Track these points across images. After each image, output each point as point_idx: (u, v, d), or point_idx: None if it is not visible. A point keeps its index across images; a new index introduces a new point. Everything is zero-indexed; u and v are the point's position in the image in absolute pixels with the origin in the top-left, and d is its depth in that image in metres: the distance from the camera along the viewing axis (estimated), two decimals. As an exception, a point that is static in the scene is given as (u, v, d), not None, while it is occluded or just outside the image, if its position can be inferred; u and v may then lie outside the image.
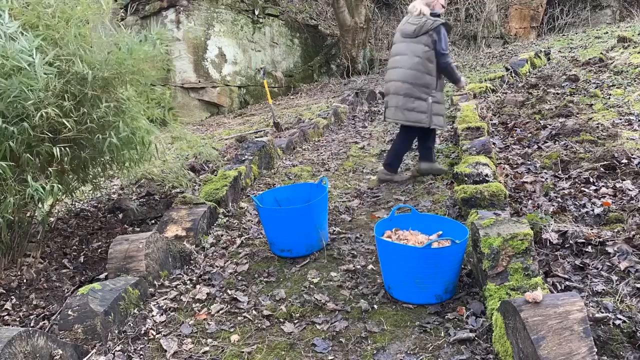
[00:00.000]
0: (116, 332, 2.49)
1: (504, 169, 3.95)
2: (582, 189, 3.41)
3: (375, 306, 2.63)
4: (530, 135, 4.75)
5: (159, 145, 3.74)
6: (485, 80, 7.42)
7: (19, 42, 2.69)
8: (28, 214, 3.07)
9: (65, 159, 2.95)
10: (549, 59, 8.52)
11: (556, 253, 2.67)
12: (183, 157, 5.84)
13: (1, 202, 2.80)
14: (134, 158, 3.50)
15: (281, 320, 2.59)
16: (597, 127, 4.47)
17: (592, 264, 2.54)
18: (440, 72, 4.11)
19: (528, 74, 7.60)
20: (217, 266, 3.20)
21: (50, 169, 2.94)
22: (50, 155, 2.92)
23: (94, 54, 3.04)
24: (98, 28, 3.21)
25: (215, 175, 4.44)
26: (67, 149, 2.95)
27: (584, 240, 2.68)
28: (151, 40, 3.27)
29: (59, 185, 2.85)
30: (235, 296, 2.83)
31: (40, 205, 2.79)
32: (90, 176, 3.57)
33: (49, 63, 2.78)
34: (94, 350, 2.35)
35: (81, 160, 3.26)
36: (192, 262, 3.24)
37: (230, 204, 4.11)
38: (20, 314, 2.84)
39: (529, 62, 7.92)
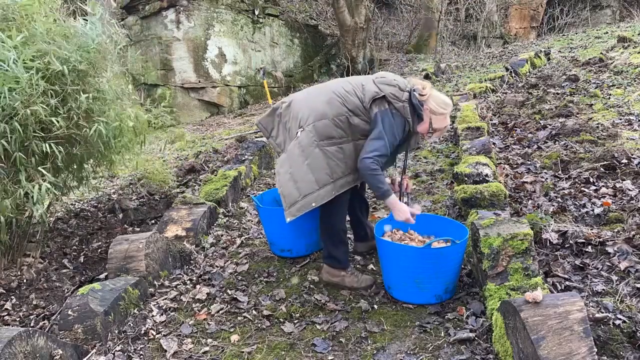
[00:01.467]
0: (116, 332, 2.49)
1: (504, 169, 3.95)
2: (582, 189, 3.41)
3: (375, 306, 2.63)
4: (530, 135, 4.75)
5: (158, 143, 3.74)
6: (485, 80, 7.42)
7: None
8: (26, 214, 3.06)
9: (59, 156, 2.95)
10: (549, 59, 8.52)
11: (556, 253, 2.67)
12: (183, 157, 5.84)
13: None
14: (127, 146, 3.49)
15: (281, 320, 2.59)
16: (597, 127, 4.47)
17: (592, 264, 2.54)
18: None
19: (528, 74, 7.60)
20: (217, 266, 3.20)
21: (42, 168, 2.94)
22: (43, 153, 2.92)
23: (68, 47, 3.04)
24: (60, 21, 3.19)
25: (215, 175, 4.44)
26: (59, 145, 2.95)
27: (584, 240, 2.68)
28: (96, 24, 3.25)
29: (49, 185, 2.83)
30: (235, 296, 2.83)
31: (37, 205, 2.79)
32: (85, 173, 3.57)
33: (28, 62, 2.78)
34: (94, 350, 2.35)
35: (74, 156, 3.25)
36: (192, 262, 3.24)
37: (230, 204, 4.11)
38: (20, 314, 2.84)
39: (529, 62, 7.92)
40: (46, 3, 3.11)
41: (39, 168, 2.92)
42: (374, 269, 3.01)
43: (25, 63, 2.78)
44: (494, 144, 4.60)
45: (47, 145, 2.87)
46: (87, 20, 3.22)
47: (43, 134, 2.90)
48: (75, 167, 3.43)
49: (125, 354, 2.37)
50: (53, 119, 2.86)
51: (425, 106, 2.61)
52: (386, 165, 2.81)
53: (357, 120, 2.61)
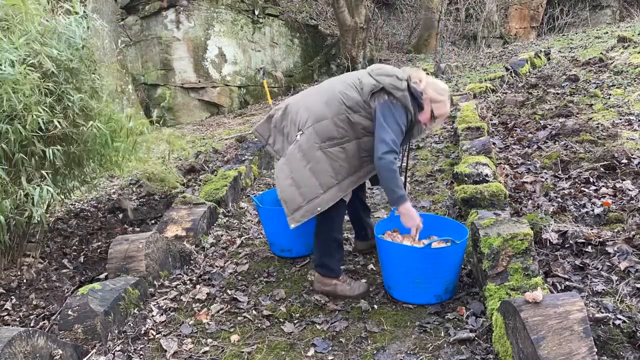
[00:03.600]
0: (116, 332, 2.49)
1: (504, 169, 3.95)
2: (582, 189, 3.41)
3: (375, 306, 2.63)
4: (530, 135, 4.75)
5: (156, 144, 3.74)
6: (485, 80, 7.42)
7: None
8: (26, 214, 3.06)
9: (58, 156, 2.95)
10: (549, 59, 8.52)
11: (556, 253, 2.67)
12: (183, 158, 5.85)
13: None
14: (127, 145, 3.49)
15: (281, 320, 2.59)
16: (597, 127, 4.47)
17: (592, 264, 2.54)
18: None
19: (528, 74, 7.60)
20: (217, 266, 3.20)
21: (42, 170, 2.94)
22: (43, 154, 2.92)
23: (58, 46, 3.04)
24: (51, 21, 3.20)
25: (215, 175, 4.44)
26: (57, 145, 2.95)
27: (584, 240, 2.68)
28: (82, 22, 3.24)
29: (49, 188, 2.83)
30: (235, 296, 2.83)
31: (37, 207, 2.79)
32: (85, 173, 3.57)
33: (20, 62, 2.79)
34: (94, 350, 2.35)
35: (73, 156, 3.25)
36: (192, 262, 3.24)
37: (230, 204, 4.11)
38: (20, 314, 2.84)
39: (529, 62, 7.91)
40: (37, 2, 3.11)
41: (42, 171, 2.92)
42: (374, 269, 3.01)
43: (22, 64, 2.78)
44: (494, 144, 4.60)
45: (48, 149, 2.87)
46: (71, 18, 3.21)
47: (41, 133, 2.90)
48: (74, 167, 3.43)
49: (125, 354, 2.37)
50: (55, 120, 2.86)
51: (425, 95, 2.55)
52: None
53: (357, 117, 2.55)
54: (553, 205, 3.22)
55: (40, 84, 2.84)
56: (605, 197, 3.25)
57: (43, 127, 2.84)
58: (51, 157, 2.89)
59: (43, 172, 2.89)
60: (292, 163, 2.58)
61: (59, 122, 2.88)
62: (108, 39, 3.35)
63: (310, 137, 2.54)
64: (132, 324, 2.57)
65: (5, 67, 2.67)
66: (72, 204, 4.53)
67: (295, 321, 2.58)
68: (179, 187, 4.61)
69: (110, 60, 3.34)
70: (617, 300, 2.19)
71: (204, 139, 7.41)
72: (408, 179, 4.36)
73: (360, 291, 2.70)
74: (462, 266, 2.75)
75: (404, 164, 2.85)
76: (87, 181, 3.62)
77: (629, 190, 3.27)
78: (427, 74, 2.59)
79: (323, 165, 2.52)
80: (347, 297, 2.69)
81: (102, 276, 3.09)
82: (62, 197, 3.57)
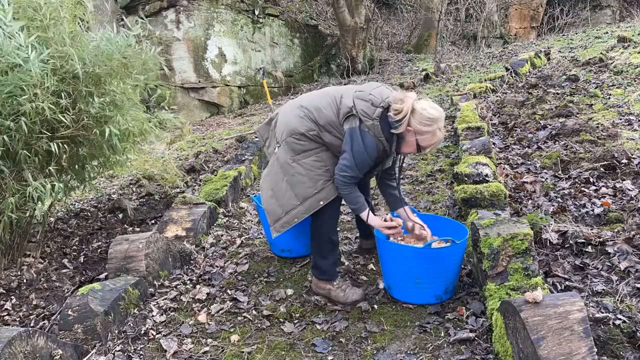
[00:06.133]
0: (116, 332, 2.49)
1: (504, 169, 3.95)
2: (582, 189, 3.41)
3: (375, 306, 2.63)
4: (530, 135, 4.75)
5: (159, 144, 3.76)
6: (485, 80, 7.42)
7: (16, 39, 2.71)
8: (27, 214, 3.07)
9: (64, 156, 2.96)
10: (548, 59, 8.52)
11: (556, 253, 2.67)
12: (183, 157, 5.85)
13: (1, 202, 2.81)
14: (132, 148, 3.54)
15: (281, 320, 2.59)
16: (597, 127, 4.47)
17: (592, 264, 2.54)
18: None
19: (528, 74, 7.60)
20: (217, 266, 3.20)
21: (49, 168, 2.96)
22: (48, 153, 2.93)
23: (86, 51, 3.07)
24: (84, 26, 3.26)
25: (215, 175, 4.44)
26: (65, 145, 2.96)
27: (584, 240, 2.68)
28: (130, 37, 3.30)
29: (59, 184, 2.86)
30: (235, 296, 2.83)
31: (39, 204, 2.80)
32: (88, 174, 3.58)
33: (43, 61, 2.80)
34: (94, 350, 2.35)
35: (79, 157, 3.27)
36: (192, 262, 3.24)
37: (230, 204, 4.11)
38: (20, 314, 2.84)
39: (529, 62, 7.91)
40: (75, 7, 3.17)
41: (50, 168, 2.94)
42: (374, 269, 3.01)
43: (42, 62, 2.79)
44: (494, 144, 4.60)
45: (54, 144, 2.88)
46: (119, 31, 3.28)
47: (50, 134, 2.92)
48: (78, 167, 3.44)
49: (125, 354, 2.37)
50: (59, 115, 2.87)
51: (409, 127, 2.38)
52: (367, 177, 2.75)
53: (329, 137, 2.51)
54: (553, 205, 3.22)
55: (55, 82, 2.86)
56: (605, 197, 3.25)
57: (51, 127, 2.86)
58: (57, 153, 2.91)
59: (52, 169, 2.91)
60: (271, 175, 2.64)
61: (64, 117, 2.90)
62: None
63: (285, 150, 2.57)
64: (132, 324, 2.57)
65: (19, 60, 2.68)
66: (72, 204, 4.53)
67: (295, 321, 2.58)
68: (180, 183, 4.61)
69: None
70: (617, 300, 2.19)
71: (204, 139, 7.41)
72: (408, 179, 4.37)
73: (354, 299, 2.64)
74: (462, 266, 2.75)
75: (397, 170, 2.79)
76: (89, 180, 3.63)
77: (629, 190, 3.27)
78: (420, 98, 2.42)
79: (298, 177, 2.52)
80: (340, 303, 2.66)
81: (102, 276, 3.10)
82: (64, 196, 3.58)
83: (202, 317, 2.65)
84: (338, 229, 3.57)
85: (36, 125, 2.83)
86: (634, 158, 3.68)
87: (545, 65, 8.20)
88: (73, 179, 3.51)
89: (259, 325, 2.57)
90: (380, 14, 15.26)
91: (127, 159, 3.68)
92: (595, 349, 1.75)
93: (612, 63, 6.83)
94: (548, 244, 2.73)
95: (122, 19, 3.45)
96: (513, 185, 3.64)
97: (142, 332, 2.53)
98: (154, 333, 2.53)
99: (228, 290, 2.90)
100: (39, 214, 2.81)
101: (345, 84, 11.17)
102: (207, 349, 2.40)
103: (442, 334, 2.34)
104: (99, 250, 3.60)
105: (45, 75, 2.79)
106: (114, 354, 2.36)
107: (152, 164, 4.66)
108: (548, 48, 9.61)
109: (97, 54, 3.12)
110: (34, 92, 2.74)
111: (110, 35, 3.20)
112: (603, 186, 3.41)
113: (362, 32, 12.21)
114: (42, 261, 3.37)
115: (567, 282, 2.42)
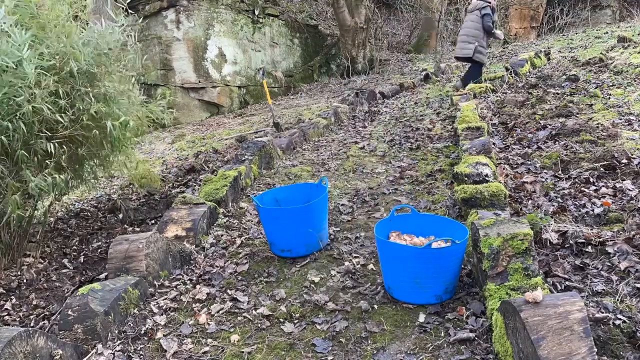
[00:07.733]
0: (116, 332, 2.49)
1: (504, 169, 3.95)
2: (582, 189, 3.41)
3: (375, 306, 2.63)
4: (530, 135, 4.75)
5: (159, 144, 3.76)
6: (485, 80, 7.42)
7: (12, 37, 2.70)
8: (27, 213, 3.07)
9: (63, 156, 2.96)
10: (548, 59, 8.52)
11: (556, 253, 2.67)
12: (183, 157, 5.85)
13: (0, 201, 2.81)
14: (127, 146, 3.54)
15: (281, 320, 2.59)
16: (597, 127, 4.47)
17: (592, 264, 2.54)
18: (484, 30, 7.38)
19: (528, 74, 7.60)
20: (217, 266, 3.20)
21: (49, 164, 2.95)
22: (46, 153, 2.93)
23: (83, 50, 3.06)
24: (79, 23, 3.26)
25: (215, 175, 4.44)
26: (63, 145, 2.96)
27: (584, 240, 2.68)
28: (117, 30, 3.30)
29: (61, 177, 2.86)
30: (235, 296, 2.83)
31: (39, 202, 2.81)
32: (86, 173, 3.58)
33: (40, 59, 2.80)
34: (94, 351, 2.35)
35: (78, 157, 3.27)
36: (192, 262, 3.24)
37: (230, 204, 4.11)
38: (20, 314, 2.84)
39: (529, 62, 7.92)
40: (71, 5, 3.18)
41: (49, 169, 2.94)
42: (374, 269, 3.01)
43: (38, 61, 2.78)
44: (494, 144, 4.60)
45: (51, 144, 2.88)
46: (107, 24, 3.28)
47: (49, 134, 2.92)
48: (76, 167, 3.44)
49: (125, 354, 2.38)
50: (57, 115, 2.87)
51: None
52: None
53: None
54: (553, 205, 3.22)
55: (53, 82, 2.86)
56: (605, 197, 3.25)
57: (50, 127, 2.86)
58: (53, 153, 2.90)
59: (50, 169, 2.91)
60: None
61: (61, 116, 2.89)
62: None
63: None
64: (132, 324, 2.57)
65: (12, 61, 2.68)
66: (72, 204, 4.53)
67: (295, 321, 2.58)
68: (160, 183, 4.62)
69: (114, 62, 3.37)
70: (617, 300, 2.19)
71: (204, 139, 7.41)
72: (408, 179, 4.36)
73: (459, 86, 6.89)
74: (462, 266, 2.75)
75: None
76: (87, 180, 3.63)
77: (629, 190, 3.27)
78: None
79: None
80: (458, 88, 6.43)
81: (102, 276, 3.09)
82: (62, 194, 3.58)
83: (202, 317, 2.65)
84: (338, 229, 3.58)
85: (34, 125, 2.82)
86: (634, 158, 3.68)
87: (545, 65, 8.20)
88: (72, 178, 3.50)
89: (259, 325, 2.57)
90: (380, 14, 15.25)
91: (126, 158, 3.66)
92: (595, 349, 1.75)
93: (612, 63, 6.83)
94: (548, 244, 2.73)
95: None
96: (513, 185, 3.64)
97: (142, 332, 2.53)
98: (154, 333, 2.53)
99: (228, 290, 2.90)
100: (40, 213, 2.81)
101: (345, 84, 11.20)
102: (207, 349, 2.40)
103: (442, 334, 2.34)
104: (99, 250, 3.60)
105: (43, 75, 2.78)
106: (114, 354, 2.36)
107: (143, 164, 4.66)
108: (548, 48, 9.61)
109: (93, 52, 3.11)
110: (31, 92, 2.73)
111: (101, 30, 3.20)
112: (603, 186, 3.41)
113: (362, 32, 12.20)
114: (42, 261, 3.37)
115: (567, 282, 2.42)
